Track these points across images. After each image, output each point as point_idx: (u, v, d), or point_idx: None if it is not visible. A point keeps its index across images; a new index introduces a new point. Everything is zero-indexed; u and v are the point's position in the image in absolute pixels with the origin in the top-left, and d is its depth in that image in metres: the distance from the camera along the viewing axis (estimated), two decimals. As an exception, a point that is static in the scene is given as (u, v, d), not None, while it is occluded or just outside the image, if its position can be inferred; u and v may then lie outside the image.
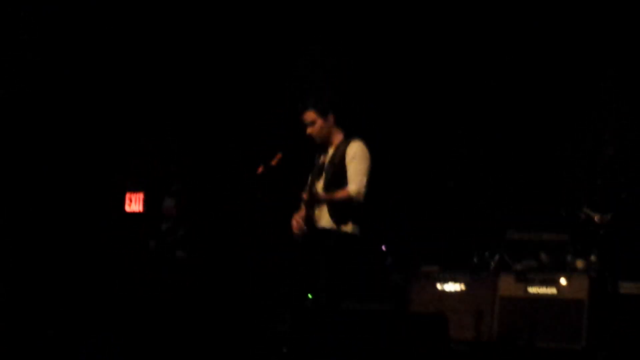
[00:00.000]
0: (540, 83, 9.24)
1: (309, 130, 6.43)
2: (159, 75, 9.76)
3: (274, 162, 6.42)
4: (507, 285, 8.02)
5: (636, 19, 8.80)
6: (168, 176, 9.40)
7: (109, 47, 9.60)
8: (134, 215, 9.52)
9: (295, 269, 6.47)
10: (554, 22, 9.07)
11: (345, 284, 6.27)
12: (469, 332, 7.96)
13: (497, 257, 8.37)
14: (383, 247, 8.95)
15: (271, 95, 9.56)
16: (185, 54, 9.73)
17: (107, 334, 7.97)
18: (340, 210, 6.27)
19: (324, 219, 6.32)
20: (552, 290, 7.88)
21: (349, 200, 6.23)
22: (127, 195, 9.62)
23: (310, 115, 6.41)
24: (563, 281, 7.86)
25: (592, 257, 8.05)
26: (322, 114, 6.40)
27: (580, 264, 8.11)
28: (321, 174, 6.44)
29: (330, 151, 6.46)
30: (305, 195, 6.34)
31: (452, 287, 8.23)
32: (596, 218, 8.13)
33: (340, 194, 6.25)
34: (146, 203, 9.44)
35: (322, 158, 6.53)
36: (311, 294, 6.39)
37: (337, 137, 6.46)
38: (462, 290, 8.19)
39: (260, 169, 6.38)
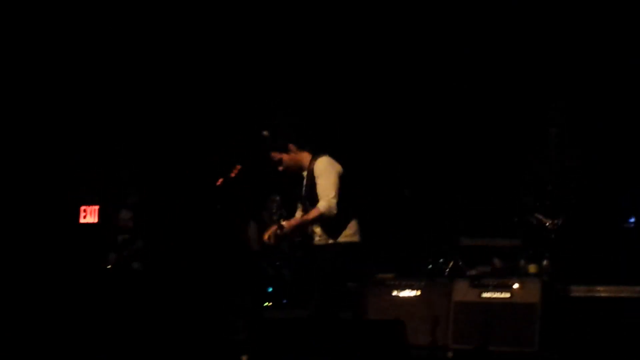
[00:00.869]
0: (490, 93, 9.39)
1: (280, 168, 6.54)
2: (116, 87, 9.74)
3: (233, 174, 6.48)
4: (461, 291, 8.12)
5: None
6: (124, 188, 9.37)
7: (58, 60, 9.57)
8: (88, 227, 9.48)
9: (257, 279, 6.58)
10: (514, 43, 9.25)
11: (339, 292, 6.41)
12: (425, 338, 8.04)
13: (451, 263, 8.48)
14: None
15: (230, 107, 9.59)
16: (139, 65, 9.72)
17: (62, 346, 7.94)
18: (329, 225, 6.38)
19: (318, 235, 6.45)
20: (505, 295, 7.99)
21: (321, 217, 6.34)
22: (82, 208, 9.56)
23: (274, 156, 6.51)
24: (516, 286, 7.98)
25: (544, 262, 8.19)
26: (281, 149, 6.50)
27: (532, 268, 8.24)
28: (300, 201, 6.59)
29: (304, 175, 6.57)
30: (271, 239, 6.42)
31: (407, 293, 8.31)
32: (547, 223, 8.28)
33: (311, 215, 6.37)
34: (101, 215, 9.41)
35: (295, 184, 6.66)
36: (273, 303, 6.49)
37: (306, 159, 6.55)
38: (417, 297, 8.27)
39: (219, 181, 6.44)
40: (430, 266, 8.58)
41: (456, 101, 9.49)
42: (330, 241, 6.41)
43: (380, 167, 9.60)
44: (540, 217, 8.33)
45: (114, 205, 9.24)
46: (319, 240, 6.46)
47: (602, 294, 7.93)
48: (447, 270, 8.47)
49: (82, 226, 9.44)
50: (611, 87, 9.00)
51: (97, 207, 9.44)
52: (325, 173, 6.41)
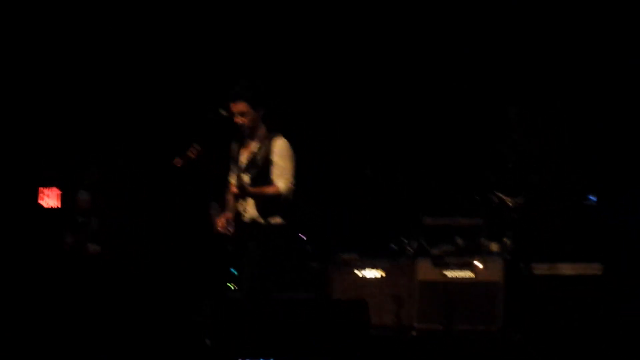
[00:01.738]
0: (454, 70, 9.39)
1: (240, 120, 6.40)
2: (73, 67, 9.61)
3: (191, 154, 6.40)
4: (425, 270, 8.14)
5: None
6: (83, 169, 9.26)
7: (27, 38, 9.44)
8: (47, 209, 9.37)
9: (219, 260, 6.50)
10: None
11: (275, 274, 6.33)
12: (389, 317, 8.06)
13: (414, 242, 8.48)
14: (302, 236, 8.99)
15: (191, 85, 9.51)
16: (103, 46, 9.61)
17: (21, 329, 7.86)
18: (267, 204, 6.31)
19: (250, 211, 6.36)
20: (468, 274, 8.03)
21: (278, 197, 6.29)
22: (40, 190, 9.45)
23: (241, 106, 6.39)
24: (479, 264, 8.01)
25: (506, 240, 8.23)
26: (254, 106, 6.40)
27: (494, 247, 8.28)
28: (243, 167, 6.46)
29: (253, 145, 6.47)
30: (234, 189, 6.35)
31: (371, 273, 8.31)
32: (509, 202, 8.31)
33: (270, 190, 6.31)
34: (61, 197, 9.30)
35: (240, 149, 6.53)
36: (237, 285, 6.42)
37: (262, 131, 6.47)
38: (381, 277, 8.28)
39: (178, 161, 6.36)
40: (393, 246, 8.57)
41: (419, 79, 9.47)
42: (261, 221, 6.35)
43: (341, 146, 9.56)
44: (502, 195, 8.35)
45: (73, 187, 9.13)
46: (248, 217, 6.37)
47: (564, 272, 7.99)
48: (411, 249, 8.47)
49: (41, 208, 9.35)
50: (575, 66, 9.04)
51: (56, 189, 9.34)
52: (288, 157, 6.36)
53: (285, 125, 6.55)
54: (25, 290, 8.38)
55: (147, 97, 9.67)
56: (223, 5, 9.59)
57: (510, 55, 9.21)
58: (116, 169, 9.41)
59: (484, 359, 7.24)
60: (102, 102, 9.69)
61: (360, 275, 8.33)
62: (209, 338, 7.30)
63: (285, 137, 6.46)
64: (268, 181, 6.33)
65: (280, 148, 6.36)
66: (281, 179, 6.30)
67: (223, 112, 6.38)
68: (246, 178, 6.37)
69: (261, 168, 6.32)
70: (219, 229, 6.42)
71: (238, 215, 6.37)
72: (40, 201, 9.44)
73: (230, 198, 6.49)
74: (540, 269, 8.03)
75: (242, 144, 6.52)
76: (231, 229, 6.39)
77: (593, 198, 8.66)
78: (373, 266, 8.31)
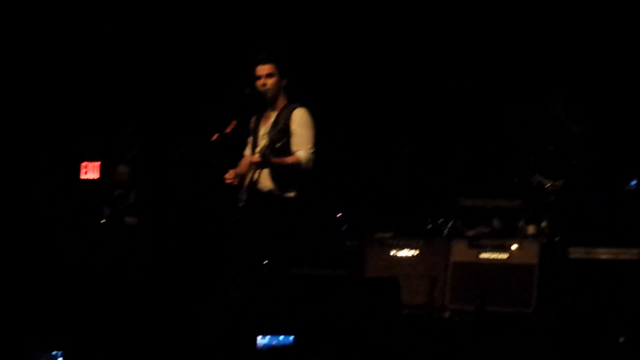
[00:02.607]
0: (496, 52, 9.31)
1: (264, 82, 6.38)
2: (115, 46, 9.71)
3: (228, 130, 6.42)
4: (459, 251, 8.10)
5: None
6: (124, 144, 9.35)
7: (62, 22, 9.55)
8: (88, 182, 9.47)
9: (240, 234, 6.46)
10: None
11: (290, 249, 6.32)
12: (422, 297, 8.05)
13: (450, 223, 8.45)
14: (338, 214, 9.01)
15: (226, 61, 9.54)
16: (137, 25, 9.69)
17: (62, 300, 7.94)
18: (283, 176, 6.28)
19: (265, 182, 6.33)
20: (503, 256, 7.97)
21: (299, 167, 6.25)
22: (83, 164, 9.56)
23: (269, 68, 6.37)
24: (514, 247, 7.95)
25: (543, 223, 8.16)
26: (281, 72, 6.39)
27: (531, 229, 8.21)
28: (262, 137, 6.43)
29: (273, 115, 6.45)
30: (254, 157, 6.33)
31: (405, 253, 8.29)
32: (547, 185, 8.23)
33: (291, 159, 6.27)
34: (102, 171, 9.40)
35: (260, 121, 6.51)
36: (260, 260, 6.42)
37: (282, 102, 6.46)
38: (415, 256, 8.26)
39: (215, 136, 6.38)
40: (429, 226, 8.55)
41: (460, 58, 9.40)
42: (276, 193, 6.31)
43: (379, 124, 9.53)
44: (540, 178, 8.28)
45: (114, 161, 9.22)
46: (263, 188, 6.33)
47: (601, 256, 7.91)
48: (446, 230, 8.44)
49: (82, 182, 9.45)
50: (617, 54, 8.91)
51: (98, 164, 9.43)
52: (308, 125, 6.32)
53: (320, 100, 6.55)
54: (62, 260, 8.49)
55: (185, 74, 9.73)
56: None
57: (558, 38, 9.11)
58: (155, 142, 9.50)
59: (516, 341, 7.18)
60: (142, 80, 9.79)
61: (394, 255, 8.31)
62: (236, 312, 7.34)
63: (319, 112, 6.44)
64: (288, 152, 6.31)
65: (300, 117, 6.33)
66: (301, 147, 6.27)
67: (247, 91, 6.38)
68: (248, 151, 6.36)
69: (281, 138, 6.29)
70: (228, 180, 6.38)
71: (252, 185, 6.34)
72: (82, 175, 9.54)
73: (243, 169, 6.45)
74: (577, 252, 7.95)
75: (262, 115, 6.51)
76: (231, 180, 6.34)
77: (633, 182, 8.54)
78: (407, 246, 8.29)
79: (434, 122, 9.46)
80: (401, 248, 8.31)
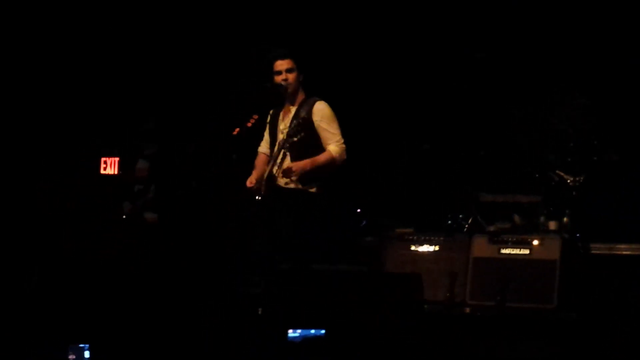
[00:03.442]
0: (514, 49, 9.28)
1: (285, 76, 6.38)
2: (133, 41, 9.72)
3: (249, 124, 6.42)
4: (480, 247, 8.06)
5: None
6: (143, 140, 9.37)
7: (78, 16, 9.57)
8: (108, 178, 9.50)
9: (260, 230, 6.43)
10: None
11: (313, 244, 6.29)
12: (443, 293, 8.01)
13: (470, 218, 8.43)
14: (358, 210, 8.99)
15: (245, 57, 9.54)
16: (154, 21, 9.70)
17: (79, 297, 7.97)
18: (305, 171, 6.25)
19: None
20: (524, 251, 7.93)
21: (333, 162, 6.23)
22: (102, 159, 9.59)
23: (289, 63, 6.37)
24: (536, 242, 7.91)
25: (565, 219, 8.12)
26: (299, 67, 6.40)
27: (552, 225, 8.17)
28: (281, 131, 6.41)
29: (292, 109, 6.44)
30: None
31: (426, 248, 8.26)
32: (569, 180, 8.20)
33: (324, 157, 6.24)
34: (121, 167, 9.43)
35: (276, 115, 6.49)
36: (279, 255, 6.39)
37: (301, 96, 6.45)
38: (435, 252, 8.22)
39: (236, 131, 6.38)
40: (449, 221, 8.53)
41: (479, 55, 9.36)
42: (300, 187, 6.27)
43: (400, 121, 9.51)
44: (562, 173, 8.25)
45: (133, 157, 9.24)
46: (284, 183, 6.28)
47: (623, 252, 7.87)
48: (467, 225, 8.41)
49: (102, 177, 9.48)
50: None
51: (117, 159, 9.46)
52: (331, 117, 6.31)
53: (338, 96, 6.54)
54: (85, 254, 8.54)
55: (204, 68, 9.74)
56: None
57: (579, 31, 9.06)
58: (175, 138, 9.51)
59: (538, 337, 7.15)
60: (161, 75, 9.80)
61: (415, 250, 8.29)
62: (261, 309, 7.33)
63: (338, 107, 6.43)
64: (312, 146, 6.27)
65: (322, 110, 6.32)
66: (331, 141, 6.25)
67: (268, 85, 6.38)
68: (264, 147, 6.29)
69: (299, 132, 6.25)
70: (249, 185, 6.34)
71: (270, 179, 6.28)
72: (102, 170, 9.56)
73: (259, 163, 6.42)
74: (599, 248, 7.92)
75: (281, 110, 6.50)
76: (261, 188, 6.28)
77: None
78: (428, 241, 8.25)
79: (454, 119, 9.43)
80: (421, 244, 8.27)
